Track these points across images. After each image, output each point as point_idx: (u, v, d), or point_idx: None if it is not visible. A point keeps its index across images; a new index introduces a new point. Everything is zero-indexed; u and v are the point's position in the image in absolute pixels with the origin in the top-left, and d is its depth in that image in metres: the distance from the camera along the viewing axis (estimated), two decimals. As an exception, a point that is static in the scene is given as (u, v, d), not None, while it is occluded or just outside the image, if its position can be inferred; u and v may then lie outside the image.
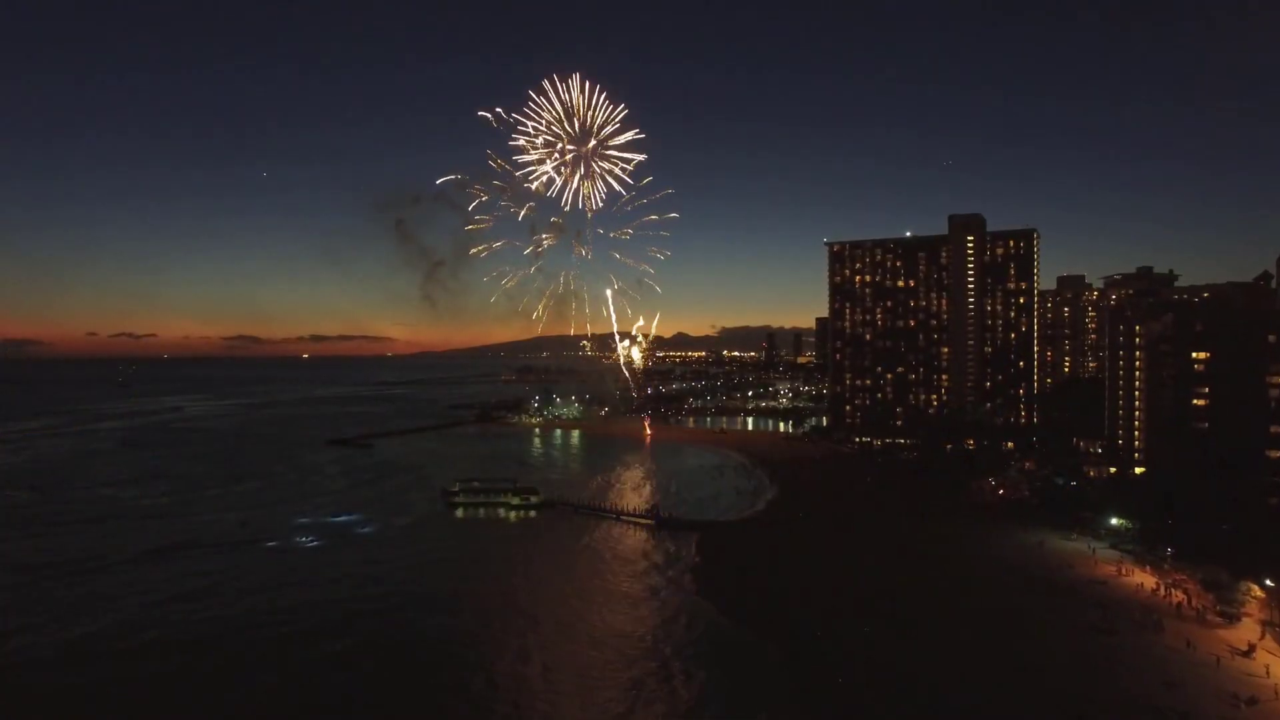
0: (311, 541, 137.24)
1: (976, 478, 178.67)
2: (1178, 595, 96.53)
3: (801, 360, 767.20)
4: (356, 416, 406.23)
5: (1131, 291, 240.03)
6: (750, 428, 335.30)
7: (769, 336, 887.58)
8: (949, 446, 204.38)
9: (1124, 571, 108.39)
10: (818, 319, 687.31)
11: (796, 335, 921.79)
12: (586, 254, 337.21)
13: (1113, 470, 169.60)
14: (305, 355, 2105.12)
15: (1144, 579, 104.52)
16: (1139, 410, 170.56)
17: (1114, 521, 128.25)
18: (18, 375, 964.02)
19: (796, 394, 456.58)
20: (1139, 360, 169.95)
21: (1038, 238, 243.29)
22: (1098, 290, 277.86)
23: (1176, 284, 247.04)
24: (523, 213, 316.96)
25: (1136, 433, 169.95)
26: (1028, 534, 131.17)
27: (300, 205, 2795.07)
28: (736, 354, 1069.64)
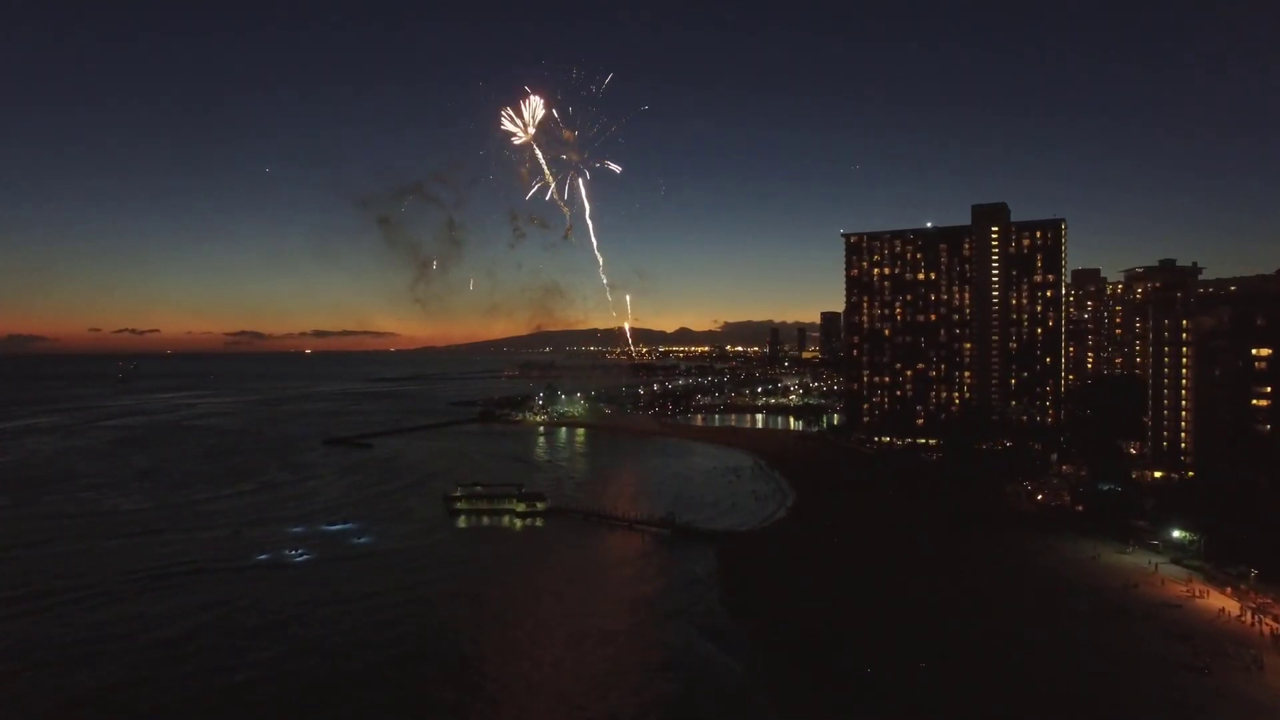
0: (306, 556, 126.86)
1: (1010, 482, 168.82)
2: (1269, 624, 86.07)
3: (806, 355, 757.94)
4: (357, 414, 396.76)
5: (1157, 285, 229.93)
6: (760, 425, 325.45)
7: (772, 331, 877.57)
8: (983, 447, 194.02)
9: (1197, 593, 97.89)
10: (823, 313, 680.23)
11: (800, 330, 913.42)
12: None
13: (1158, 474, 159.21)
14: (308, 351, 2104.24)
15: (1223, 603, 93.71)
16: (1186, 410, 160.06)
17: (1176, 534, 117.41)
18: (20, 371, 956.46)
19: (807, 390, 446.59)
20: (1186, 357, 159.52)
21: (1065, 229, 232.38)
22: (1120, 284, 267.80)
23: (1200, 277, 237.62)
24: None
25: (1183, 434, 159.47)
26: (1078, 546, 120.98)
27: (302, 201, 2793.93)
28: (740, 349, 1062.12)
